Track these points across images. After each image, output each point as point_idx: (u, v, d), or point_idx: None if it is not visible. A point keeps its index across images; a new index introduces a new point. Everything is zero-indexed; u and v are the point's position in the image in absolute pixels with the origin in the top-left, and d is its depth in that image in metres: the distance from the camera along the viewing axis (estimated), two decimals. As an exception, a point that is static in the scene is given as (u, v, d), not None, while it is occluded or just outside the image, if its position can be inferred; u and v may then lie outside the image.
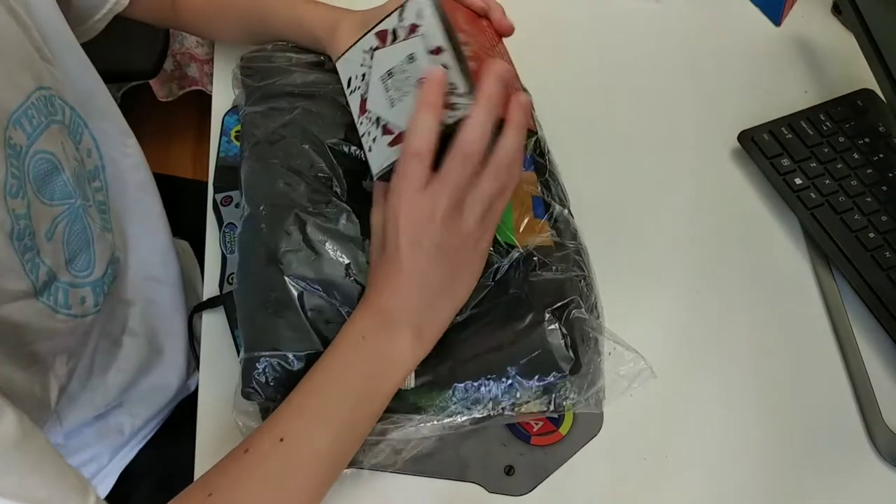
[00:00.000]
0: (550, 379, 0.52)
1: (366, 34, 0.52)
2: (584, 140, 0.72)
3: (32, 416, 0.56)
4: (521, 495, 0.55)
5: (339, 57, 0.54)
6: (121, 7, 0.66)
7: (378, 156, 0.51)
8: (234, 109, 0.71)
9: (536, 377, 0.52)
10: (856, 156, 0.69)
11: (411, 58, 0.49)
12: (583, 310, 0.53)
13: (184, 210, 0.74)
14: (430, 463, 0.56)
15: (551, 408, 0.53)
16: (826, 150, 0.69)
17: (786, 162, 0.69)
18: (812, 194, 0.67)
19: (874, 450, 0.58)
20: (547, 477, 0.56)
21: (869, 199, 0.67)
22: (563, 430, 0.57)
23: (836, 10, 0.83)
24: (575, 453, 0.57)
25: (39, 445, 0.44)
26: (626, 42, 0.81)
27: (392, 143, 0.50)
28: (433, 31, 0.49)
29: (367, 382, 0.49)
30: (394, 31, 0.50)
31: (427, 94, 0.46)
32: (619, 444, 0.58)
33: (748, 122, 0.72)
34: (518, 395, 0.52)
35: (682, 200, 0.70)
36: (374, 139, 0.51)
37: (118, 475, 0.71)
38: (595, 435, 0.58)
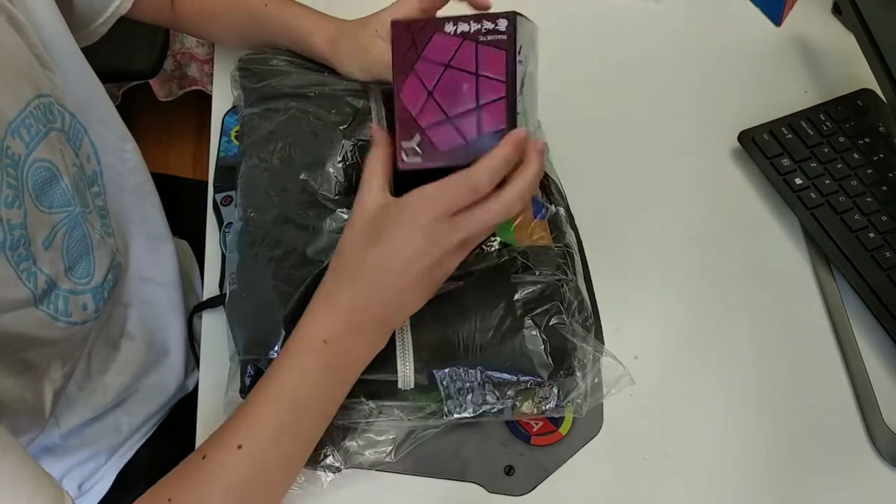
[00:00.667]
0: (528, 385, 0.52)
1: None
2: (584, 140, 0.72)
3: (24, 421, 0.56)
4: (521, 495, 0.55)
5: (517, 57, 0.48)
6: (123, 10, 0.66)
7: None
8: (234, 109, 0.71)
9: (514, 382, 0.52)
10: (856, 156, 0.69)
11: (524, 77, 0.50)
12: (563, 315, 0.52)
13: (184, 210, 0.74)
14: (430, 463, 0.55)
15: (532, 412, 0.53)
16: (826, 150, 0.69)
17: (786, 162, 0.69)
18: (812, 194, 0.67)
19: (874, 450, 0.58)
20: (547, 477, 0.56)
21: (869, 199, 0.67)
22: (563, 430, 0.57)
23: (836, 10, 0.83)
24: (575, 453, 0.57)
25: (16, 459, 0.42)
26: (626, 42, 0.81)
27: None
28: (530, 60, 0.51)
29: (324, 388, 0.48)
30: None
31: (511, 148, 0.47)
32: (619, 444, 0.58)
33: (748, 122, 0.72)
34: (499, 398, 0.52)
35: (682, 200, 0.70)
36: None
37: (116, 475, 0.71)
38: (595, 435, 0.58)
